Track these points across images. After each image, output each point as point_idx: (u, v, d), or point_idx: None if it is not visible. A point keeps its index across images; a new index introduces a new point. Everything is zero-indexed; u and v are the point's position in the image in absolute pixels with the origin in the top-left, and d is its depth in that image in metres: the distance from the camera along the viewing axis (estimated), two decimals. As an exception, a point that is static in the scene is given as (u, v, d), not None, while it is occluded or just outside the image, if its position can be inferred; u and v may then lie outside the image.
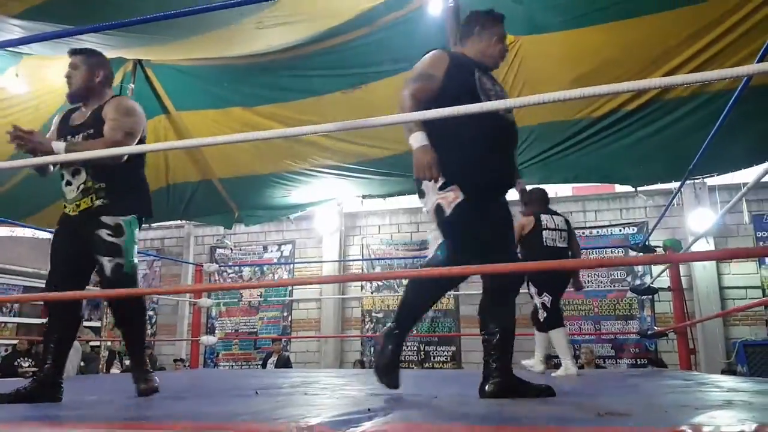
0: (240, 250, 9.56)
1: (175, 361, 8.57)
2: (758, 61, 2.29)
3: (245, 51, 4.24)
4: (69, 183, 2.21)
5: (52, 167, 2.30)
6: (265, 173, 5.41)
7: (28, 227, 6.88)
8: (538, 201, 4.04)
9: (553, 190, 8.22)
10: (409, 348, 8.29)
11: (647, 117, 4.00)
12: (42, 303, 7.90)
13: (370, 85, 4.34)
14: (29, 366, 6.36)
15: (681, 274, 4.93)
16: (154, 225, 9.23)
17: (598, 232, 7.98)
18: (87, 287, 2.37)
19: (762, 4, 3.20)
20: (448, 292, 7.95)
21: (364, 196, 5.73)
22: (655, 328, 6.43)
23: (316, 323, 8.78)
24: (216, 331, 9.13)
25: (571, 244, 3.96)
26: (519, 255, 3.48)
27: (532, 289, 3.84)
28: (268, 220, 6.99)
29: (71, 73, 2.29)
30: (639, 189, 6.07)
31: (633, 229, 7.81)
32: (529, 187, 3.73)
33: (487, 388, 1.87)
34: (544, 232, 3.87)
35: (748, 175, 4.81)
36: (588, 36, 3.64)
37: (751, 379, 3.69)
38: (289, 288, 9.06)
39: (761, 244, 7.15)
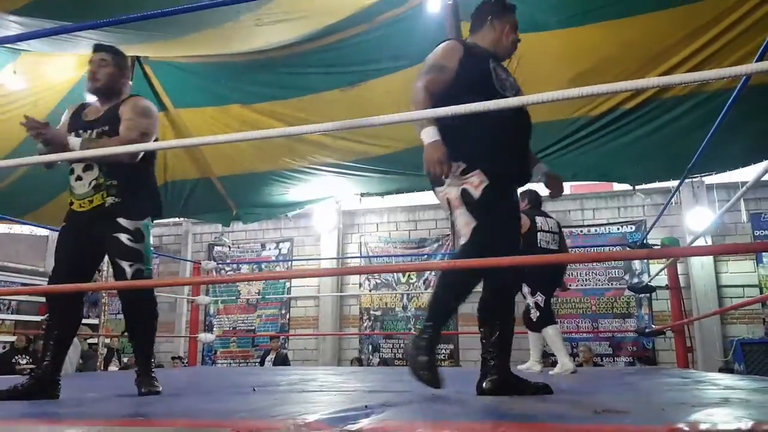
0: (238, 247, 9.56)
1: (173, 358, 8.57)
2: (757, 60, 2.29)
3: (244, 48, 4.23)
4: (80, 178, 2.20)
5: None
6: (264, 171, 5.40)
7: (26, 224, 6.87)
8: (532, 202, 4.10)
9: (551, 188, 8.28)
10: (406, 346, 8.30)
11: (645, 116, 4.00)
12: (40, 300, 7.89)
13: (368, 82, 4.33)
14: (27, 363, 6.36)
15: (678, 273, 4.94)
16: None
17: (596, 230, 7.99)
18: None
19: (761, 2, 3.20)
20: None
21: (362, 194, 5.73)
22: (653, 326, 6.45)
23: (314, 321, 8.78)
24: (214, 329, 9.13)
25: (561, 247, 4.01)
26: None
27: (525, 289, 3.87)
28: (267, 218, 6.99)
29: (99, 69, 2.28)
30: (637, 187, 6.09)
31: (631, 228, 7.83)
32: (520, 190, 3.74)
33: (484, 385, 1.87)
34: (539, 233, 3.91)
35: (746, 174, 4.82)
36: (586, 34, 3.64)
37: (748, 377, 3.70)
38: (287, 285, 9.06)
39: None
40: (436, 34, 3.46)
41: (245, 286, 9.21)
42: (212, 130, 4.82)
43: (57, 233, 2.29)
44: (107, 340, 8.63)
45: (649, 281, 5.85)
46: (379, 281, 8.58)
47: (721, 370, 6.13)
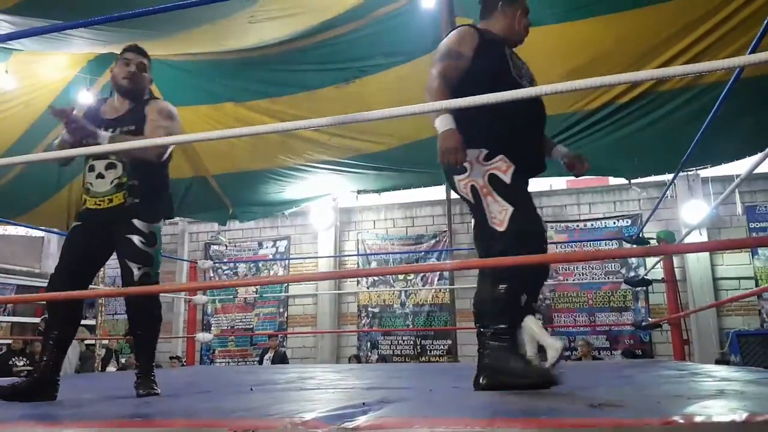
0: (235, 246, 9.54)
1: (171, 358, 8.56)
2: (750, 53, 2.29)
3: (237, 46, 4.22)
4: (101, 176, 2.17)
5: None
6: (260, 169, 5.40)
7: (21, 225, 6.83)
8: None
9: (547, 183, 8.29)
10: (405, 342, 8.32)
11: (640, 109, 4.01)
12: (38, 302, 7.86)
13: (363, 79, 4.32)
14: (24, 365, 6.34)
15: (675, 266, 4.95)
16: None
17: (592, 224, 8.01)
18: (89, 286, 2.34)
19: (753, -4, 3.21)
20: (451, 287, 7.92)
21: (358, 191, 5.73)
22: (650, 319, 6.47)
23: (312, 319, 8.78)
24: (212, 328, 9.12)
25: None
26: None
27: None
28: (263, 216, 6.99)
29: (140, 74, 2.27)
30: (633, 181, 6.10)
31: (627, 222, 7.85)
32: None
33: (481, 380, 1.87)
34: None
35: (740, 167, 4.83)
36: (581, 29, 3.65)
37: (744, 368, 3.72)
38: (285, 284, 9.06)
39: (754, 234, 7.20)
40: (432, 30, 3.46)
41: (242, 285, 9.20)
42: (206, 128, 4.81)
43: (53, 234, 2.28)
44: (105, 341, 8.62)
45: (645, 274, 5.87)
46: (376, 278, 8.58)
47: (717, 362, 6.16)
